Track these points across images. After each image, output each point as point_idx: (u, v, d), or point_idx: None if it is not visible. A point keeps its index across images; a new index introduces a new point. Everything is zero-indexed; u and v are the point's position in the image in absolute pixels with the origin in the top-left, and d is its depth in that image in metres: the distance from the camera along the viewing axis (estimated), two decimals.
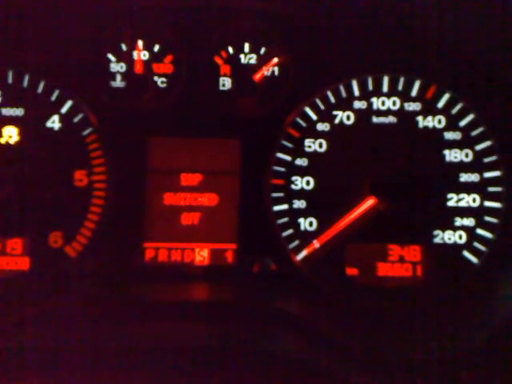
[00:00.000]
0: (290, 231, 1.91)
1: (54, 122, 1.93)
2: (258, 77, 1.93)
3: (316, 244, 1.90)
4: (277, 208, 1.91)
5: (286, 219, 1.91)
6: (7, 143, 1.91)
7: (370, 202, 1.87)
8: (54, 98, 1.93)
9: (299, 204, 1.91)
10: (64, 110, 1.93)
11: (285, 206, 1.92)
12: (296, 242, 1.91)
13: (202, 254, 1.92)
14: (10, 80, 1.93)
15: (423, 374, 1.54)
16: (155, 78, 1.94)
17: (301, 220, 1.91)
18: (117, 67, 1.94)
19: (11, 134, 1.92)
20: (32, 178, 1.90)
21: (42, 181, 1.91)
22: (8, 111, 1.92)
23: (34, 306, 1.69)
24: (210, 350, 1.55)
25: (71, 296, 1.79)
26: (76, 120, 1.93)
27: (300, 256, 1.91)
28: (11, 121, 1.92)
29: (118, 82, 1.94)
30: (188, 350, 1.54)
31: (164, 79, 1.94)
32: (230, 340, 1.61)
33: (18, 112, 1.92)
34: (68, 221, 1.92)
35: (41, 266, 1.91)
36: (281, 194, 1.92)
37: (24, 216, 1.90)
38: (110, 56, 1.94)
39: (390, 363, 1.56)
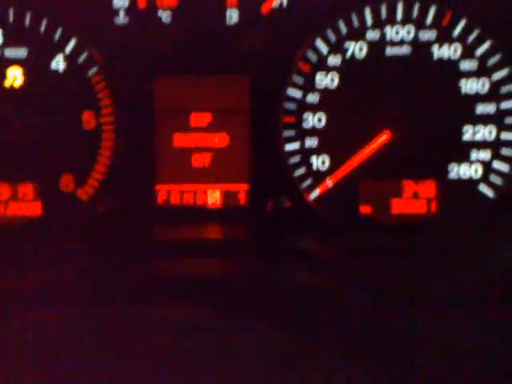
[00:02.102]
0: (302, 170, 1.88)
1: (59, 63, 1.88)
2: (265, 8, 1.85)
3: (329, 183, 1.87)
4: (288, 147, 1.88)
5: (297, 158, 1.88)
6: (12, 86, 1.88)
7: (383, 138, 1.83)
8: (57, 36, 1.87)
9: (311, 142, 1.87)
10: (68, 49, 1.87)
11: (296, 145, 1.88)
12: (309, 181, 1.88)
13: (214, 196, 1.90)
14: (10, 18, 1.86)
15: (437, 308, 1.55)
16: (159, 13, 1.87)
17: (313, 158, 1.88)
18: (120, 2, 1.87)
19: (16, 76, 1.88)
20: (39, 121, 1.88)
21: (50, 124, 1.88)
22: (11, 52, 1.87)
23: (49, 248, 1.72)
24: (224, 282, 1.57)
25: (85, 238, 1.80)
26: (81, 60, 1.88)
27: (313, 195, 1.88)
28: (15, 62, 1.87)
29: (122, 19, 1.87)
30: (202, 282, 1.56)
31: (169, 13, 1.87)
32: (245, 273, 1.63)
33: (21, 53, 1.87)
34: (79, 164, 1.90)
35: (53, 210, 1.92)
36: (292, 133, 1.87)
37: (34, 160, 1.89)
38: None
39: (404, 298, 1.57)
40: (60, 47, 1.88)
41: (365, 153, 1.84)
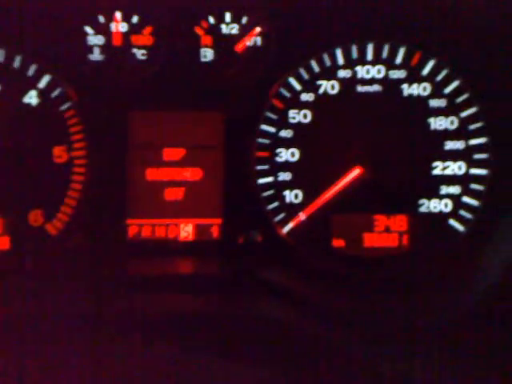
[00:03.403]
0: (275, 204, 1.89)
1: (32, 98, 1.88)
2: (239, 47, 1.89)
3: (302, 216, 1.88)
4: (262, 181, 1.89)
5: (271, 192, 1.89)
6: None
7: (355, 172, 1.86)
8: (30, 72, 1.87)
9: (284, 176, 1.89)
10: (41, 84, 1.88)
11: (270, 179, 1.89)
12: (282, 215, 1.89)
13: (186, 230, 1.89)
14: None
15: (408, 342, 1.55)
16: (134, 50, 1.89)
17: (286, 192, 1.89)
18: (94, 40, 1.89)
19: None
20: (10, 155, 1.86)
21: (20, 158, 1.86)
22: None
23: (16, 284, 1.67)
24: (197, 318, 1.55)
25: (54, 274, 1.76)
26: (54, 95, 1.88)
27: (286, 229, 1.89)
28: None
29: (97, 55, 1.89)
30: (174, 318, 1.54)
31: (143, 51, 1.89)
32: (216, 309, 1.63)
33: None
34: (48, 198, 1.88)
35: (21, 244, 1.88)
36: (266, 167, 1.89)
37: (2, 195, 1.86)
38: (88, 28, 1.88)
39: (376, 330, 1.58)
40: (33, 83, 1.88)
41: (337, 187, 1.86)
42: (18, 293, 1.63)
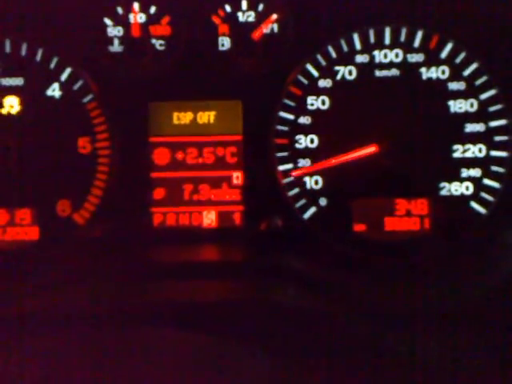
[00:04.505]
0: (295, 190, 1.91)
1: (55, 90, 1.91)
2: (256, 35, 1.89)
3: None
4: (282, 168, 1.91)
5: (291, 178, 1.91)
6: (9, 113, 1.91)
7: (371, 149, 1.85)
8: (52, 65, 1.91)
9: (304, 163, 1.90)
10: (63, 77, 1.91)
11: (290, 166, 1.91)
12: (303, 201, 1.91)
13: (209, 217, 1.92)
14: (7, 49, 1.91)
15: (429, 325, 1.55)
16: (153, 41, 1.91)
17: (306, 179, 1.90)
18: (114, 31, 1.91)
19: (12, 104, 1.91)
20: (36, 148, 1.90)
21: (46, 150, 1.91)
22: (8, 81, 1.91)
23: (45, 274, 1.72)
24: (221, 305, 1.58)
25: (81, 262, 1.81)
26: (76, 87, 1.91)
27: (307, 214, 1.90)
28: (11, 91, 1.91)
29: (116, 47, 1.92)
30: (199, 305, 1.57)
31: (162, 41, 1.91)
32: (241, 295, 1.64)
33: (18, 81, 1.91)
34: (75, 189, 1.92)
35: (50, 234, 1.93)
36: (285, 154, 1.90)
37: (30, 186, 1.91)
38: (107, 20, 1.91)
39: (397, 314, 1.57)
40: (56, 76, 1.91)
41: (349, 156, 1.86)
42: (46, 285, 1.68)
